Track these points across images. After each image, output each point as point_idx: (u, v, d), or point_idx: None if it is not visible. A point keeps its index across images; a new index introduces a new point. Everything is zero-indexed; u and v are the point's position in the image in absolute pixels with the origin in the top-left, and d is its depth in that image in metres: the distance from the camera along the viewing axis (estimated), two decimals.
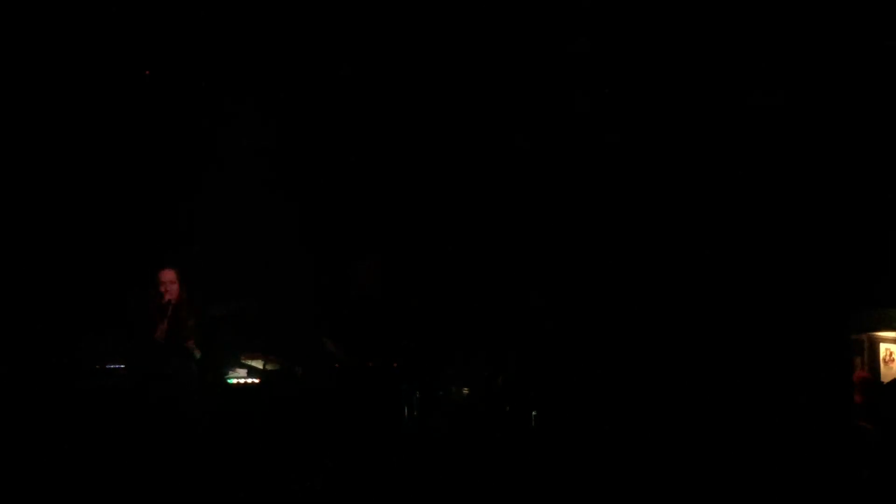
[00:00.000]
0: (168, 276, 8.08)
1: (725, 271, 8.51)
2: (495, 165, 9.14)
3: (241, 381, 8.53)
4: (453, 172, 9.24)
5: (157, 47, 8.64)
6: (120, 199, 9.23)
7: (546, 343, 8.76)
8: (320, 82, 8.96)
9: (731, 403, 8.02)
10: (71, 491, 6.87)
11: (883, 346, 9.02)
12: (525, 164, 9.04)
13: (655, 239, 8.73)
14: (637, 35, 8.40)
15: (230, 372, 8.50)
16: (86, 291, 8.90)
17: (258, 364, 8.57)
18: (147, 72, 8.80)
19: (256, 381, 8.55)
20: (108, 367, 8.25)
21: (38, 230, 8.91)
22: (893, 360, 8.96)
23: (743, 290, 8.42)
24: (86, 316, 8.72)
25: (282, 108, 9.18)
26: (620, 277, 8.83)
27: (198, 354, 8.05)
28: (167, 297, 7.99)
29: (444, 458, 8.03)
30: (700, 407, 8.07)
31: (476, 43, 8.38)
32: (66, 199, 9.05)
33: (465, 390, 8.68)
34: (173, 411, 7.81)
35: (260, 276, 9.31)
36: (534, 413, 8.46)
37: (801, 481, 6.77)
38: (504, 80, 8.63)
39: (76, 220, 9.08)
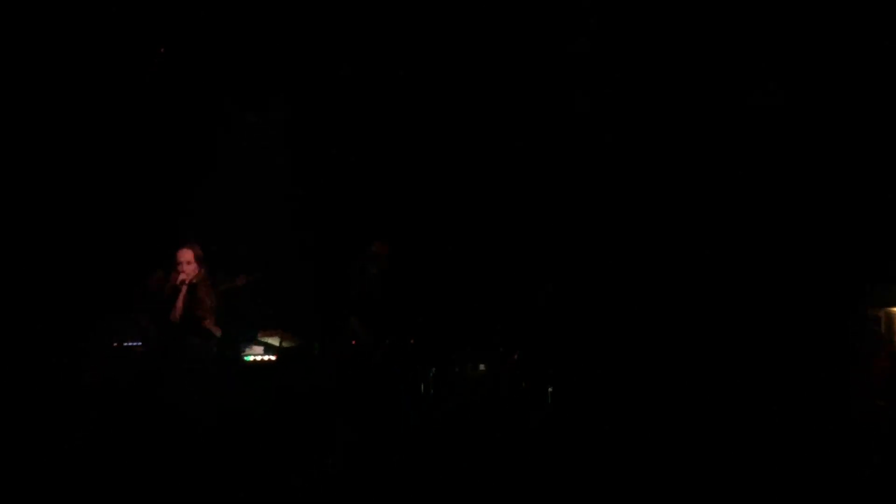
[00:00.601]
0: (185, 255, 8.13)
1: (743, 245, 8.48)
2: (508, 142, 9.14)
3: (258, 358, 8.55)
4: (468, 150, 9.24)
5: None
6: (136, 178, 9.23)
7: (562, 319, 8.74)
8: (336, 62, 8.96)
9: (748, 378, 8.03)
10: (88, 470, 6.90)
11: None
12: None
13: (673, 214, 8.71)
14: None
15: (247, 349, 8.52)
16: (105, 272, 8.91)
17: (274, 341, 8.60)
18: (161, 49, 8.80)
19: (273, 358, 8.57)
20: (125, 344, 8.30)
21: (56, 209, 8.92)
22: None
23: (760, 264, 8.40)
24: (105, 296, 8.74)
25: (295, 87, 9.19)
26: (638, 251, 8.81)
27: (218, 333, 8.10)
28: (182, 277, 8.03)
29: (460, 435, 8.06)
30: (718, 379, 8.07)
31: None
32: (84, 178, 9.05)
33: (482, 367, 8.68)
34: (190, 389, 7.87)
35: (276, 252, 9.32)
36: (550, 389, 8.47)
37: (818, 458, 6.76)
38: (511, 68, 8.63)
39: (94, 199, 9.08)
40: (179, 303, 8.05)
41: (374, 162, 9.62)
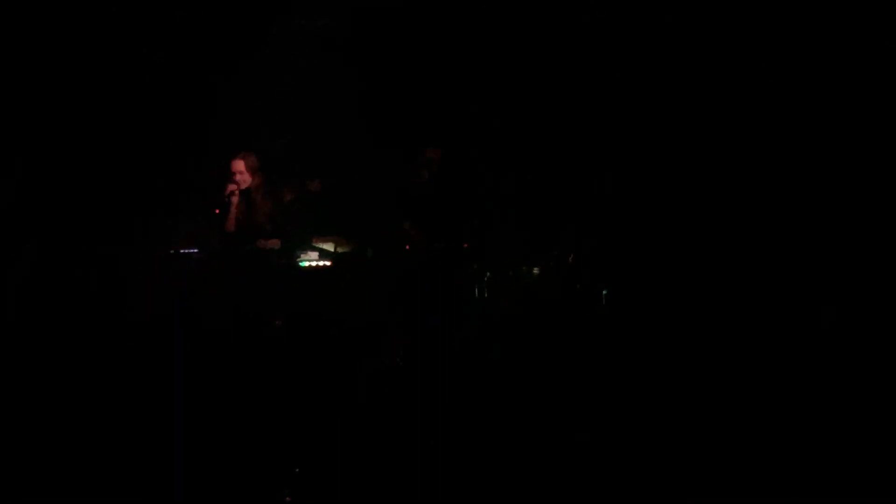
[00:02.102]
0: (237, 166, 8.20)
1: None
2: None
3: (313, 263, 8.60)
4: (524, 52, 9.13)
5: None
6: (193, 81, 9.24)
7: (617, 221, 8.67)
8: None
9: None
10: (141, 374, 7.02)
11: None
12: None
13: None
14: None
15: (302, 255, 8.57)
16: (163, 178, 8.98)
17: (329, 247, 8.64)
18: None
19: (328, 263, 8.61)
20: (181, 251, 8.39)
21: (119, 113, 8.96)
22: None
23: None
24: (162, 202, 8.82)
25: None
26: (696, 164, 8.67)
27: (274, 243, 8.17)
28: (233, 186, 8.10)
29: (515, 338, 8.08)
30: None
31: None
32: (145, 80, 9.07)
33: (536, 270, 8.66)
34: (245, 297, 7.97)
35: (331, 158, 9.33)
36: (604, 292, 8.43)
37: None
38: None
39: (154, 109, 9.12)
40: (233, 211, 8.14)
41: (428, 65, 9.52)
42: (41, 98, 8.49)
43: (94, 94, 8.77)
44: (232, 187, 8.16)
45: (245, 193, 8.23)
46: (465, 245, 8.61)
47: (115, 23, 8.78)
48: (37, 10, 8.41)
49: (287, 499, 5.15)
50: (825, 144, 8.15)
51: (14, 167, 8.37)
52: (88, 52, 8.69)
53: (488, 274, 8.56)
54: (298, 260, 8.57)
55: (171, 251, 8.39)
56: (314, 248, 8.64)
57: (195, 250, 8.40)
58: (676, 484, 5.33)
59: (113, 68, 8.85)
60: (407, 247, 8.69)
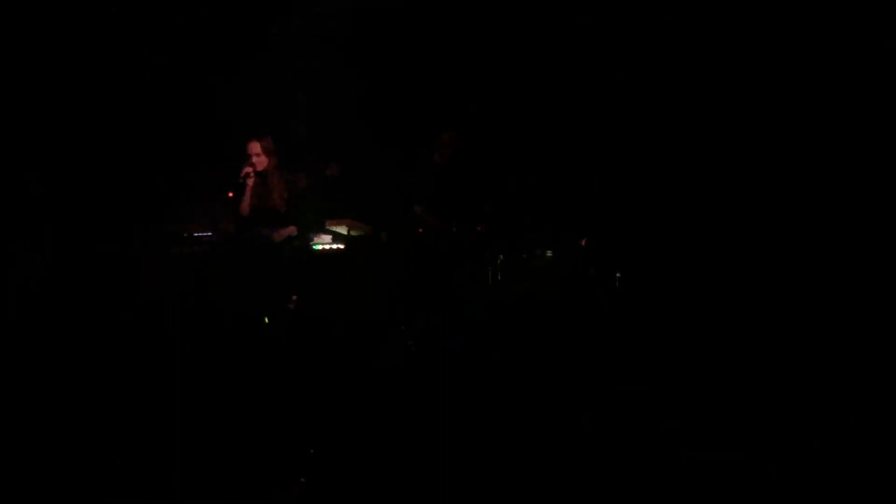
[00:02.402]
0: (253, 148, 8.19)
1: None
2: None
3: (326, 247, 8.62)
4: (536, 38, 9.12)
5: None
6: (206, 67, 9.26)
7: (629, 205, 8.66)
8: None
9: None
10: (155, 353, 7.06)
11: None
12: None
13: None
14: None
15: (315, 238, 8.59)
16: (177, 160, 9.01)
17: (342, 230, 8.65)
18: None
19: (341, 246, 8.63)
20: (195, 234, 8.43)
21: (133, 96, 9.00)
22: None
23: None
24: (176, 185, 8.85)
25: None
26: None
27: (290, 228, 8.20)
28: (248, 169, 8.11)
29: (529, 320, 8.10)
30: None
31: None
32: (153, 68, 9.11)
33: (549, 253, 8.67)
34: (260, 278, 8.00)
35: (345, 141, 9.34)
36: (618, 275, 8.44)
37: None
38: None
39: (167, 92, 9.15)
40: (248, 193, 8.14)
41: (441, 49, 9.52)
42: (62, 91, 8.59)
43: (111, 87, 8.86)
44: (248, 169, 8.15)
45: (261, 175, 8.21)
46: (479, 229, 8.60)
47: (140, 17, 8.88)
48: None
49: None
50: (834, 138, 8.16)
51: (31, 160, 8.47)
52: (110, 49, 8.79)
53: (501, 257, 8.57)
54: (312, 243, 8.59)
55: (186, 235, 8.41)
56: (328, 232, 8.67)
57: (209, 234, 8.42)
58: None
59: (134, 59, 8.95)
60: (420, 230, 8.70)
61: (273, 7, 9.45)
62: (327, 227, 8.68)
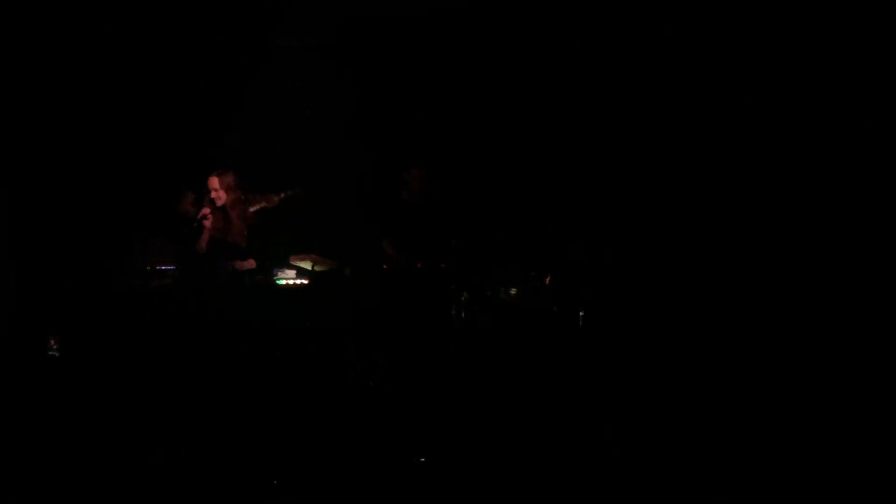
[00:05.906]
0: (213, 183, 8.21)
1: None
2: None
3: (290, 281, 8.60)
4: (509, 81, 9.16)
5: None
6: (169, 97, 9.24)
7: (595, 244, 8.67)
8: None
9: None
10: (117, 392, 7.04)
11: None
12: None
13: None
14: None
15: (279, 273, 8.56)
16: (142, 193, 8.98)
17: (306, 265, 8.63)
18: None
19: (305, 281, 8.61)
20: (158, 268, 8.40)
21: (89, 130, 8.97)
22: None
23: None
24: (141, 219, 8.82)
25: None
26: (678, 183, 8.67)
27: (250, 263, 8.19)
28: (206, 208, 8.13)
29: (492, 357, 8.07)
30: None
31: None
32: (115, 99, 9.08)
33: (513, 291, 8.65)
34: (222, 312, 7.97)
35: (309, 174, 9.32)
36: (581, 313, 8.42)
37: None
38: None
39: (128, 120, 9.12)
40: (207, 229, 8.17)
41: (409, 86, 9.53)
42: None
43: (74, 118, 8.85)
44: (205, 210, 8.19)
45: (221, 210, 8.23)
46: (443, 266, 8.59)
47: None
48: None
49: None
50: (823, 149, 8.14)
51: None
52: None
53: (465, 294, 8.55)
54: (276, 278, 8.57)
55: (149, 268, 8.39)
56: (292, 267, 8.65)
57: (172, 267, 8.40)
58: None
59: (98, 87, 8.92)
60: (385, 266, 8.69)
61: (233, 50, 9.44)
62: (291, 262, 8.66)
